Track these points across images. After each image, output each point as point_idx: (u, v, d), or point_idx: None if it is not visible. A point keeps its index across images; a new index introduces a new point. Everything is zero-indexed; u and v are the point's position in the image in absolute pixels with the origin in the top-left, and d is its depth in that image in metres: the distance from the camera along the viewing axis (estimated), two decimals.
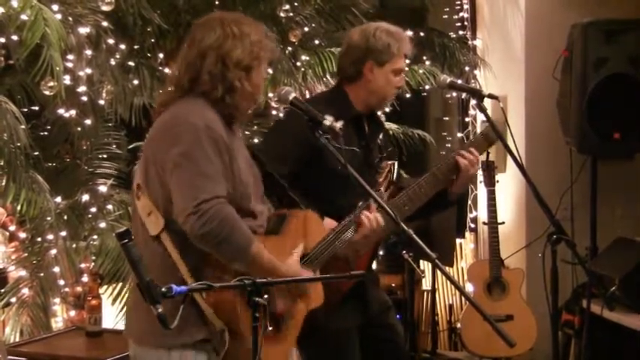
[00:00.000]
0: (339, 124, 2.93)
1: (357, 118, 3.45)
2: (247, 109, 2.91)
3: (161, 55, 4.83)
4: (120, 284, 4.36)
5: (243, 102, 2.84)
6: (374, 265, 3.78)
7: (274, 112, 4.89)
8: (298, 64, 4.99)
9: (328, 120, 2.92)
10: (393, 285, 5.33)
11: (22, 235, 4.38)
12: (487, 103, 3.65)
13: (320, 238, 3.06)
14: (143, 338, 2.78)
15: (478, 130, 5.82)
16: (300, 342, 3.06)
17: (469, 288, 5.30)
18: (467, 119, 6.12)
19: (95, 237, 4.38)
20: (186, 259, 2.69)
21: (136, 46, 4.70)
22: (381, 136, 3.58)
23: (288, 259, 2.86)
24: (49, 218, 4.18)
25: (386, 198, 3.36)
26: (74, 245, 4.32)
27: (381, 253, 5.33)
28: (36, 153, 4.35)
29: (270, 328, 2.76)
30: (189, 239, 2.66)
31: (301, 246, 2.97)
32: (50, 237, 4.21)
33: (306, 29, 5.11)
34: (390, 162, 3.37)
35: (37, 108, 4.51)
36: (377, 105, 3.52)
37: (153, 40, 4.75)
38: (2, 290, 4.25)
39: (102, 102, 4.49)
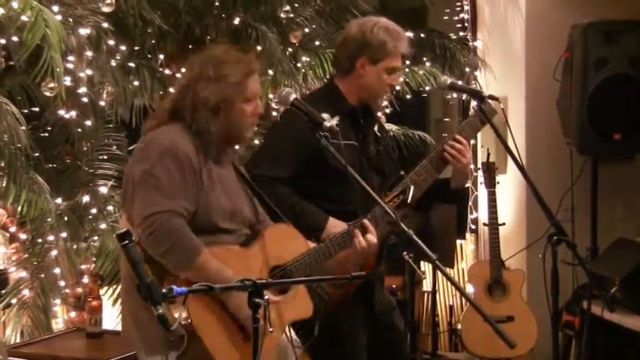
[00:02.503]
0: (335, 120, 2.93)
1: (353, 111, 3.43)
2: (231, 143, 3.02)
3: (161, 57, 4.84)
4: (120, 285, 4.35)
5: (221, 137, 2.93)
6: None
7: (274, 114, 4.88)
8: (299, 65, 4.99)
9: (328, 121, 2.92)
10: (394, 286, 5.31)
11: (23, 236, 4.38)
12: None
13: (296, 248, 3.04)
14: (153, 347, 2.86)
15: None
16: (306, 342, 3.06)
17: (469, 289, 5.29)
18: None
19: (96, 238, 4.38)
20: (153, 270, 2.76)
21: (136, 48, 4.70)
22: (376, 127, 3.56)
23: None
24: (49, 219, 4.18)
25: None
26: (75, 246, 4.32)
27: None
28: (36, 154, 4.35)
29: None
30: None
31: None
32: (51, 238, 4.21)
33: (306, 30, 5.11)
34: (406, 182, 3.31)
35: (37, 109, 4.51)
36: (369, 100, 3.48)
37: (153, 42, 4.75)
38: (3, 291, 4.25)
39: (102, 103, 4.49)
